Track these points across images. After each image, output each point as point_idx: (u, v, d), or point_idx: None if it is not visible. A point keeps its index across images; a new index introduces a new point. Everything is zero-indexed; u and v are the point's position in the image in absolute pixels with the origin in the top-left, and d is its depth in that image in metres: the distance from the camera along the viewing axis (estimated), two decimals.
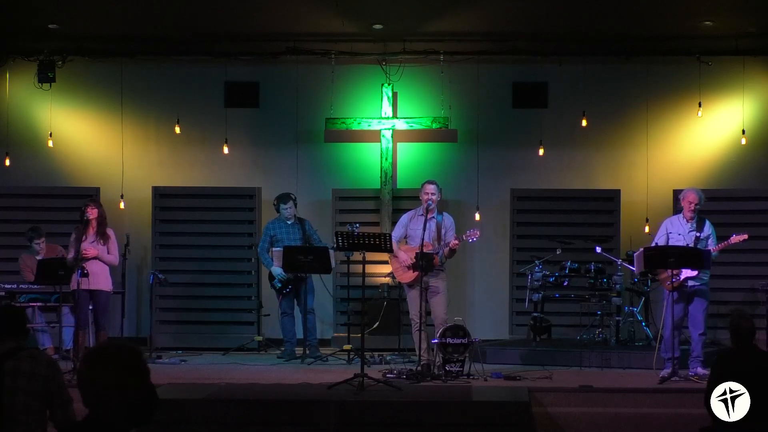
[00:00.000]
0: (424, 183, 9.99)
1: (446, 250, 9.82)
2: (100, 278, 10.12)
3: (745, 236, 9.76)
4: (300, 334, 11.34)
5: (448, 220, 10.06)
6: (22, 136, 12.78)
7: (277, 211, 11.54)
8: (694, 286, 9.71)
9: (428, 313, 10.19)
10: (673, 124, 12.61)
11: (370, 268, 11.51)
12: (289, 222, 11.48)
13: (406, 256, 9.81)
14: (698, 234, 9.78)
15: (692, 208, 9.78)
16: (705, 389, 6.27)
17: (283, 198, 11.51)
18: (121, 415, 3.22)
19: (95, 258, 10.13)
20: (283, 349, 11.55)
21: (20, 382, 5.13)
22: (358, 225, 10.83)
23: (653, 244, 9.89)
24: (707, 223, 9.88)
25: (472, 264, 12.69)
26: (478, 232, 9.83)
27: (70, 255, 10.15)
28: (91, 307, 10.24)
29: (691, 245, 9.68)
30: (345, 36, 12.08)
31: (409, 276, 9.83)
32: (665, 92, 12.56)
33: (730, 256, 10.76)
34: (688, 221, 9.85)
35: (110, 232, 10.35)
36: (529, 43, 12.19)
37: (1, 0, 10.96)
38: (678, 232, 9.84)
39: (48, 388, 5.16)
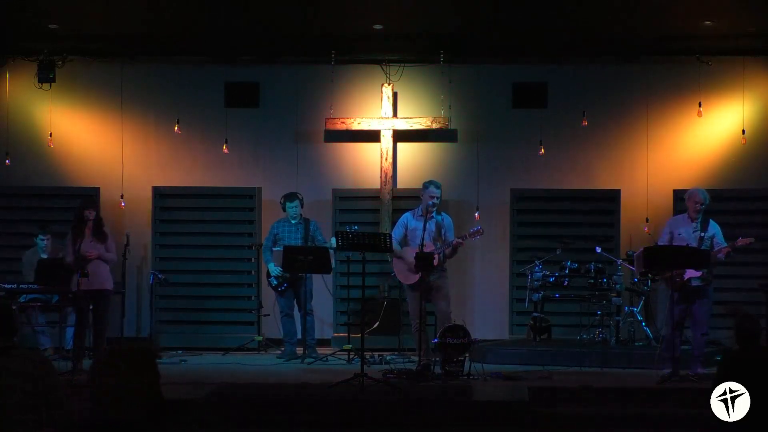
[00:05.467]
0: (430, 185, 9.94)
1: (450, 249, 9.83)
2: (102, 277, 10.13)
3: (752, 239, 9.77)
4: (300, 335, 11.34)
5: (446, 220, 10.08)
6: (22, 136, 12.78)
7: (284, 210, 11.54)
8: (697, 285, 9.70)
9: (429, 313, 10.18)
10: (673, 124, 12.60)
11: (370, 268, 11.50)
12: (293, 221, 11.48)
13: (412, 252, 9.77)
14: (702, 234, 9.79)
15: (698, 208, 9.80)
16: (706, 389, 6.26)
17: (290, 197, 11.51)
18: (143, 416, 3.20)
19: (97, 258, 10.13)
20: (283, 349, 11.55)
21: (13, 380, 5.12)
22: (356, 227, 10.79)
23: (660, 244, 9.87)
24: (711, 222, 9.88)
25: (472, 264, 12.68)
26: (481, 230, 9.84)
27: (69, 257, 10.13)
28: (90, 307, 10.23)
29: (696, 245, 9.69)
30: (345, 36, 12.07)
31: (413, 278, 9.83)
32: (665, 92, 12.55)
33: (731, 256, 10.74)
34: (692, 221, 9.85)
35: (107, 230, 10.36)
36: (529, 43, 12.18)
37: (1, 0, 10.95)
38: (682, 232, 9.84)
39: (42, 386, 5.15)
